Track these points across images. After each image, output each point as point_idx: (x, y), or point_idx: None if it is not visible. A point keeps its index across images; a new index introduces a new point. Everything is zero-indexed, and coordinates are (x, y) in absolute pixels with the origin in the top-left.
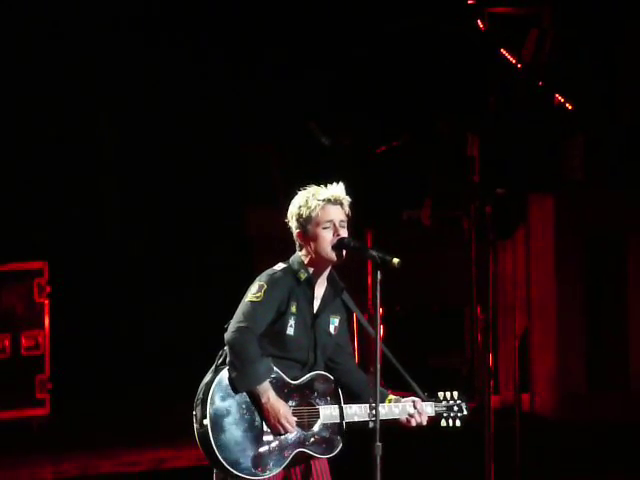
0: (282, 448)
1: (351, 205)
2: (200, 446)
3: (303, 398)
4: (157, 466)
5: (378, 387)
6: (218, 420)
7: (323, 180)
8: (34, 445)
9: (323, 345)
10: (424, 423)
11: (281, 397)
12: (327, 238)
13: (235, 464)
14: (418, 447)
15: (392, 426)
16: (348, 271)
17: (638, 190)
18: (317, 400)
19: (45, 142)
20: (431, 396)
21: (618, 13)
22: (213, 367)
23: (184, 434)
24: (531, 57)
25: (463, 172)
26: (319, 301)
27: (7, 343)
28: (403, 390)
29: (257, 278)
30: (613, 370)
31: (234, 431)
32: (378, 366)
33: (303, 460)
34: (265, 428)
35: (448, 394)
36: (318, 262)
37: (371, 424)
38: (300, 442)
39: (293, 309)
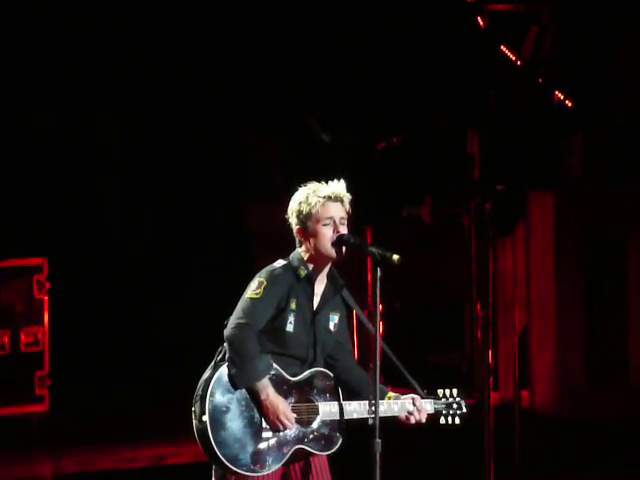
0: (281, 445)
1: (351, 202)
2: (199, 442)
3: (302, 395)
4: (157, 462)
5: (377, 384)
6: (217, 416)
7: (323, 177)
8: (33, 441)
9: (323, 342)
10: (423, 421)
11: (280, 394)
12: (327, 235)
13: (234, 460)
14: (417, 444)
15: (391, 423)
16: (348, 268)
17: (638, 187)
18: (316, 397)
19: (45, 138)
20: (430, 393)
21: (617, 10)
22: (212, 363)
23: (184, 430)
24: (531, 54)
25: (463, 169)
26: (319, 298)
27: (6, 339)
28: (402, 387)
29: (257, 274)
30: (613, 366)
31: (233, 427)
32: (377, 363)
33: (302, 457)
34: (264, 424)
35: (447, 391)
36: (318, 259)
37: (370, 421)
38: (299, 439)
39: (293, 306)
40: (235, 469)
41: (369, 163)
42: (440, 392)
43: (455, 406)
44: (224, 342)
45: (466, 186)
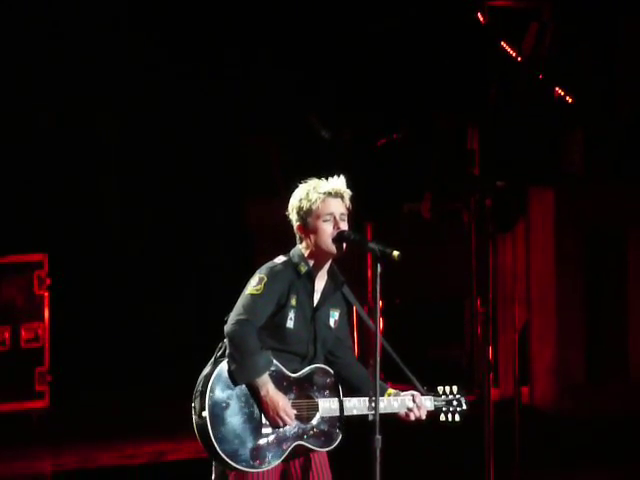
0: (280, 441)
1: (351, 198)
2: (198, 438)
3: (302, 391)
4: (157, 459)
5: (378, 380)
6: (217, 412)
7: (323, 173)
8: (33, 437)
9: (323, 338)
10: (423, 417)
11: (280, 390)
12: (327, 231)
13: (233, 456)
14: (418, 440)
15: (391, 419)
16: (348, 264)
17: (638, 184)
18: (316, 393)
19: (45, 134)
20: (430, 390)
21: (617, 7)
22: (212, 359)
23: (184, 427)
24: (531, 51)
25: (463, 165)
26: (319, 294)
27: (7, 335)
28: (402, 383)
29: (257, 271)
30: (613, 362)
31: (233, 423)
32: (378, 359)
33: (302, 453)
34: (264, 420)
35: (447, 388)
36: (318, 255)
37: (370, 417)
38: (299, 435)
39: (293, 302)
40: (234, 465)
41: (369, 159)
42: (440, 389)
43: (455, 403)
44: (224, 338)
45: (466, 182)
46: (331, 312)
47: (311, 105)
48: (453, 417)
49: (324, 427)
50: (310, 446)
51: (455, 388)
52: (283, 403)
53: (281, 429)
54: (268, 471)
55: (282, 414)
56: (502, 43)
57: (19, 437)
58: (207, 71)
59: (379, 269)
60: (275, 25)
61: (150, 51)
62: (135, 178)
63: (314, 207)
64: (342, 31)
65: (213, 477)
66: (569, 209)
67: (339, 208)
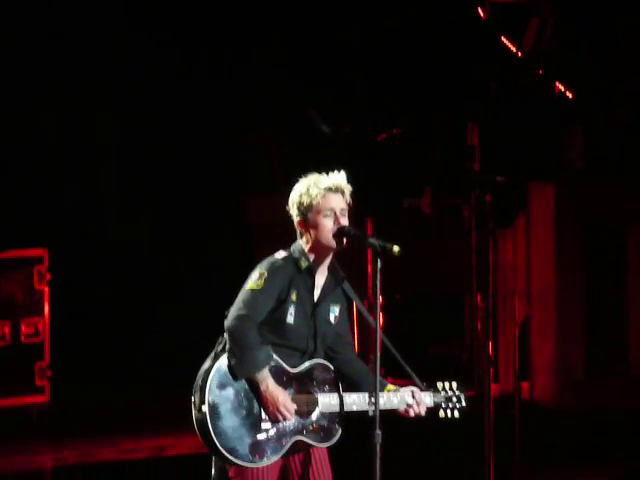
0: (280, 436)
1: (351, 193)
2: (198, 432)
3: (302, 386)
4: (157, 453)
5: (378, 375)
6: (216, 407)
7: (323, 168)
8: (33, 432)
9: (323, 334)
10: (423, 414)
11: (280, 385)
12: (328, 226)
13: (232, 451)
14: (418, 435)
15: (391, 415)
16: (348, 259)
17: (638, 178)
18: (316, 388)
19: (45, 128)
20: (430, 386)
21: (617, 3)
22: (212, 354)
23: (184, 421)
24: (531, 46)
25: (463, 160)
26: (319, 290)
27: (7, 330)
28: (402, 378)
29: (258, 265)
30: (613, 357)
31: (232, 418)
32: (378, 354)
33: (302, 448)
34: (263, 416)
35: (447, 384)
36: (319, 250)
37: (370, 412)
38: (298, 430)
39: (293, 297)
40: (234, 460)
41: (369, 154)
42: (440, 385)
43: (455, 399)
44: (224, 332)
45: (466, 177)
46: (331, 307)
47: (311, 100)
48: (452, 414)
49: (324, 422)
50: (309, 441)
51: (454, 384)
52: (283, 398)
53: (280, 424)
54: (268, 466)
55: (282, 409)
56: (502, 38)
57: (19, 432)
58: (207, 67)
59: (379, 264)
60: (275, 21)
61: (150, 48)
62: (135, 173)
63: (314, 202)
64: (343, 27)
65: (213, 472)
66: (569, 204)
67: (339, 203)
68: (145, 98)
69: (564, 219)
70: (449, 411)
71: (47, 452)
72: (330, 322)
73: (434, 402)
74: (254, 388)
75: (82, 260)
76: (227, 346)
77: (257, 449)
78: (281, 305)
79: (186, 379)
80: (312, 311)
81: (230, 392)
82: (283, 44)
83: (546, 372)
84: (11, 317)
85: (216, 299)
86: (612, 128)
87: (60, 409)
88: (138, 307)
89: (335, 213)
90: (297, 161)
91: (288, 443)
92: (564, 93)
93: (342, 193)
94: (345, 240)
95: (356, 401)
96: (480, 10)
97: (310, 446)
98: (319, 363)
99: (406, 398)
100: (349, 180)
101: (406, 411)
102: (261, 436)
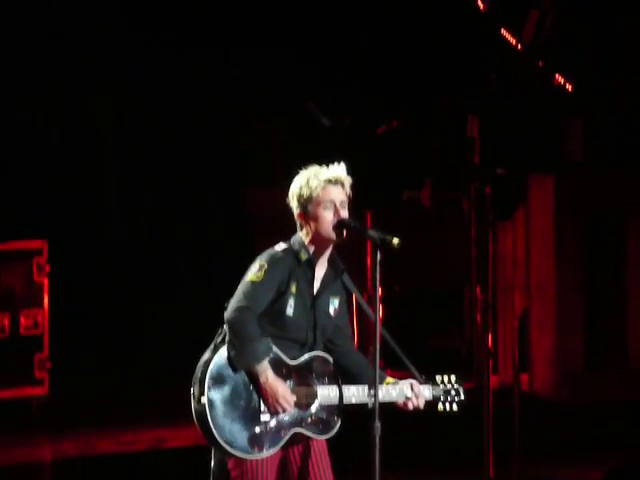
0: (279, 428)
1: (351, 185)
2: (197, 424)
3: (301, 378)
4: (157, 445)
5: (377, 367)
6: (216, 398)
7: (323, 160)
8: (33, 424)
9: (322, 326)
10: (421, 407)
11: (279, 377)
12: (327, 218)
13: (231, 443)
14: (417, 427)
15: (390, 407)
16: (347, 251)
17: (638, 171)
18: (315, 381)
19: (45, 121)
20: (429, 379)
21: None
22: (212, 345)
23: (184, 413)
24: (531, 38)
25: (463, 153)
26: (319, 282)
27: (6, 322)
28: (401, 370)
29: (258, 257)
30: (612, 349)
31: (231, 410)
32: (377, 347)
33: (302, 441)
34: (262, 407)
35: (446, 377)
36: (319, 242)
37: (370, 405)
38: (297, 422)
39: (293, 289)
40: (232, 451)
41: (369, 147)
42: (438, 378)
43: (453, 393)
44: (224, 324)
45: (466, 170)
46: (331, 300)
47: (311, 92)
48: (451, 407)
49: (322, 415)
50: (308, 433)
51: (453, 377)
52: (282, 390)
53: (280, 416)
54: (267, 458)
55: (281, 401)
56: (502, 30)
57: (19, 424)
58: (206, 58)
59: (379, 257)
60: (275, 9)
61: (149, 38)
62: (135, 165)
63: (314, 195)
64: (343, 17)
65: (212, 464)
66: (569, 196)
67: (339, 195)
68: (144, 88)
69: (564, 211)
70: (448, 404)
71: (46, 444)
72: (330, 314)
73: (433, 395)
74: (253, 380)
75: (81, 252)
76: (227, 338)
77: (256, 441)
78: (281, 297)
79: (186, 371)
80: (312, 303)
81: (229, 384)
82: (281, 35)
83: (545, 364)
84: (10, 309)
85: (216, 290)
86: (612, 119)
87: (59, 401)
88: (137, 299)
89: (335, 205)
90: (297, 153)
91: (287, 435)
92: (564, 85)
93: (342, 185)
94: (345, 232)
95: (355, 394)
96: (480, 2)
97: (309, 438)
98: (318, 355)
99: (405, 391)
100: (349, 172)
101: (405, 404)
102: (260, 428)
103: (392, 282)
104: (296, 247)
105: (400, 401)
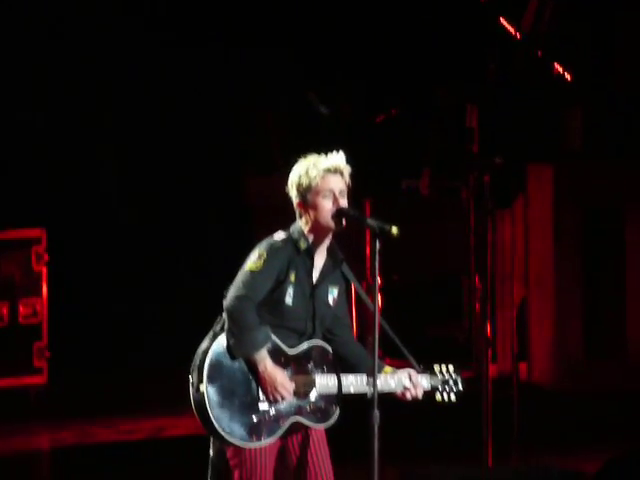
0: (277, 417)
1: (350, 174)
2: (195, 412)
3: (300, 367)
4: (155, 434)
5: (376, 356)
6: (214, 387)
7: (322, 149)
8: (32, 413)
9: (321, 315)
10: (419, 396)
11: (278, 366)
12: (327, 207)
13: (230, 431)
14: (416, 416)
15: (387, 397)
16: (346, 240)
17: (637, 160)
18: (314, 370)
19: (44, 110)
20: (427, 368)
21: None
22: (210, 334)
23: (183, 402)
24: (530, 27)
25: (462, 142)
26: (318, 271)
27: (5, 311)
28: (400, 359)
29: (257, 246)
30: (610, 339)
31: (230, 398)
32: (376, 336)
33: (300, 430)
34: (261, 396)
35: (444, 367)
36: (318, 231)
37: (369, 394)
38: (296, 411)
39: (292, 278)
40: (231, 440)
41: (368, 136)
42: (436, 368)
43: (451, 383)
44: (222, 312)
45: (465, 159)
46: (330, 289)
47: (310, 81)
48: (449, 397)
49: (321, 404)
50: (307, 422)
51: (451, 367)
52: (281, 378)
53: (278, 405)
54: (265, 447)
55: (280, 389)
56: (501, 19)
57: (17, 413)
58: (206, 48)
59: (378, 245)
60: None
61: (150, 28)
62: (134, 154)
63: (314, 183)
64: (342, 7)
65: (211, 453)
66: (568, 186)
67: (338, 184)
68: (144, 79)
69: (563, 201)
70: (446, 394)
71: (45, 433)
72: (329, 304)
73: (431, 385)
74: (252, 368)
75: (80, 241)
76: (226, 326)
77: (255, 430)
78: (280, 286)
79: (185, 359)
80: (311, 292)
81: (228, 372)
82: (281, 25)
83: (544, 353)
84: (9, 298)
85: (215, 280)
86: (611, 108)
87: (58, 390)
88: (136, 287)
89: (334, 194)
90: (296, 142)
91: (286, 424)
92: (563, 75)
93: (341, 174)
94: (344, 221)
95: (354, 382)
96: None
97: (308, 427)
98: (317, 344)
99: (403, 381)
100: (348, 161)
101: (403, 394)
102: (259, 417)
103: (391, 271)
104: (295, 236)
105: (398, 391)
